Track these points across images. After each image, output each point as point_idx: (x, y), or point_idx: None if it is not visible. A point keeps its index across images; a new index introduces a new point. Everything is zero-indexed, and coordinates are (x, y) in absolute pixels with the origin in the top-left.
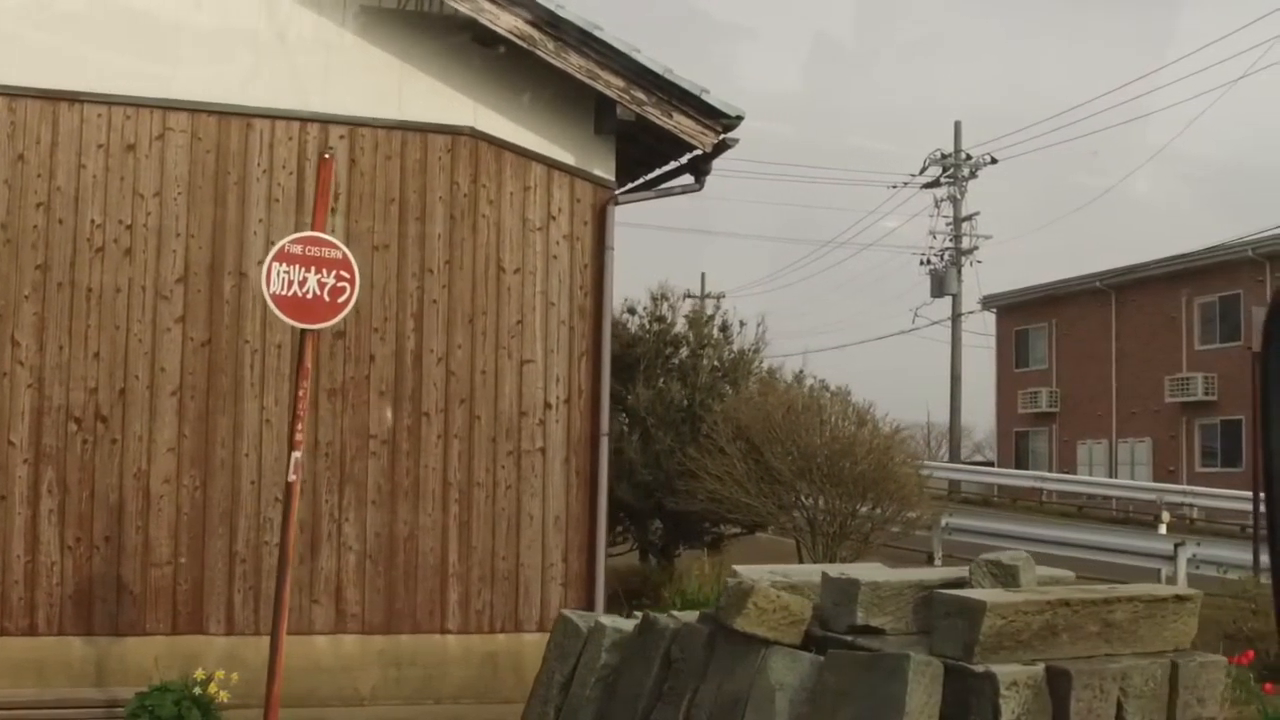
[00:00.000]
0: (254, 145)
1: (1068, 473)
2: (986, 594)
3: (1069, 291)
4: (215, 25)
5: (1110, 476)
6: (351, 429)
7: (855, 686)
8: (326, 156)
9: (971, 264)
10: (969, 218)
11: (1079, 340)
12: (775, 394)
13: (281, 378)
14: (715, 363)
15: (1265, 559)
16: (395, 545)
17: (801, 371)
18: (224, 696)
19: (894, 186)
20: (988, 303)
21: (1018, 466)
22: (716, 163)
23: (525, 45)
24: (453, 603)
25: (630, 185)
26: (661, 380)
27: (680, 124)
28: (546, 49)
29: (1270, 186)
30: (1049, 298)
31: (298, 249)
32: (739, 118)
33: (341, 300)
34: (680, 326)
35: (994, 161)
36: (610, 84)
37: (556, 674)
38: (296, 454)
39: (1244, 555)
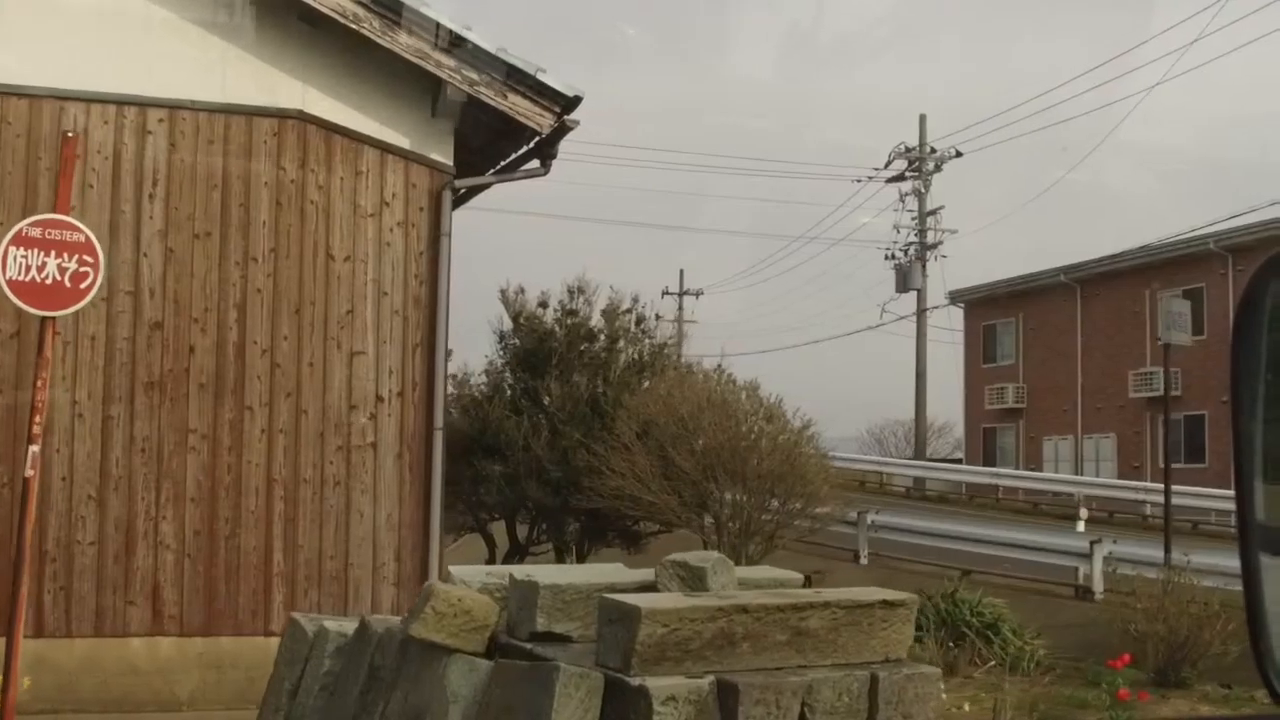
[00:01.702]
0: (67, 129)
1: (1034, 469)
2: (649, 599)
3: (1035, 286)
4: (26, 3)
5: (1076, 473)
6: (170, 423)
7: (516, 699)
8: (70, 135)
9: (937, 258)
10: (933, 212)
11: (1045, 335)
12: (682, 389)
13: (95, 370)
14: (634, 356)
15: (1179, 556)
16: (216, 544)
17: (719, 366)
18: None
19: (858, 180)
20: (955, 297)
21: (986, 463)
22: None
23: (350, 24)
24: (277, 603)
25: (491, 171)
26: (576, 375)
27: (516, 105)
28: (373, 28)
29: (1247, 178)
30: (1016, 292)
31: (36, 232)
32: (577, 99)
33: (84, 286)
34: (596, 320)
35: (959, 155)
36: (441, 64)
37: (286, 680)
38: (34, 448)
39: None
